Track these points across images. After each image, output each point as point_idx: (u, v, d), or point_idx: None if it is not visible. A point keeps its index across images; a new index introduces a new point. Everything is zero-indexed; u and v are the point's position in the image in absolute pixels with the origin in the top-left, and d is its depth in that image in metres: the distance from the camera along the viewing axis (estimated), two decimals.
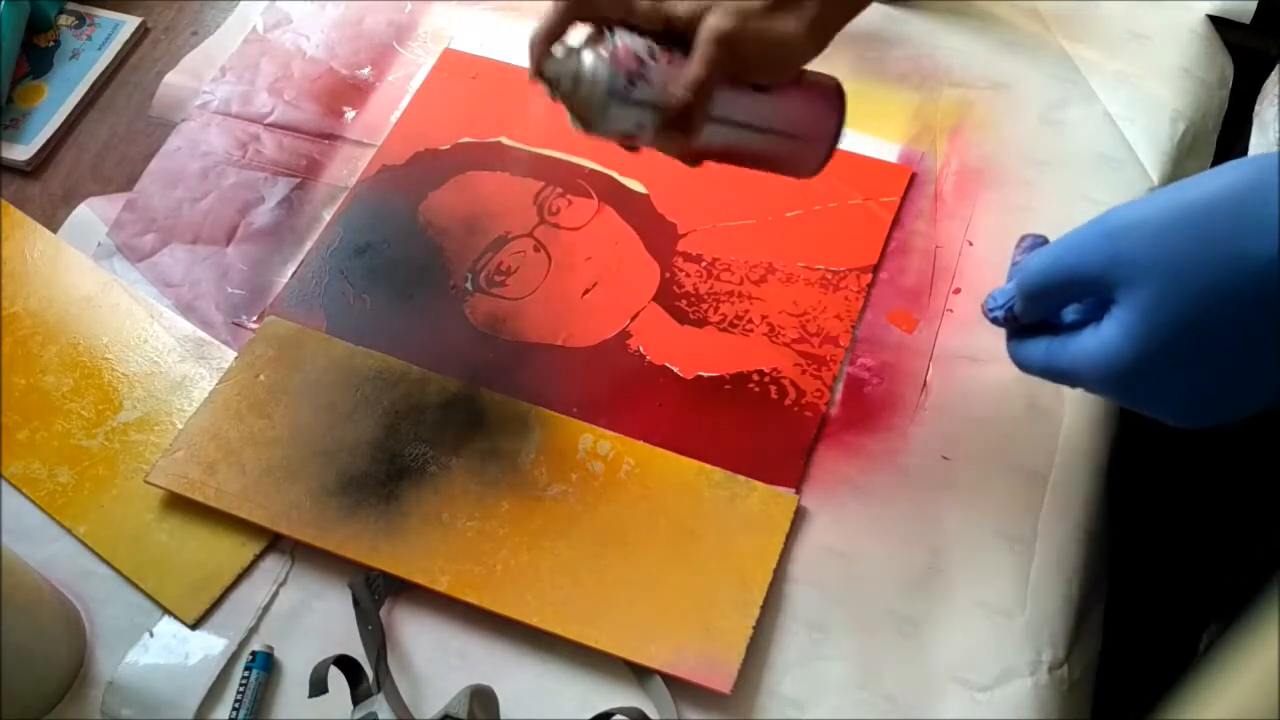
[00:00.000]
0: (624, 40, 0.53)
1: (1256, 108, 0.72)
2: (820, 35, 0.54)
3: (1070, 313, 0.48)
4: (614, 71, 0.52)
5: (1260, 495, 0.69)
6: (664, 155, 0.57)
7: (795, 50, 0.54)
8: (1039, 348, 0.49)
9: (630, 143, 0.56)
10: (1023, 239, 0.53)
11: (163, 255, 0.71)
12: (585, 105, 0.53)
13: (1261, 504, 0.70)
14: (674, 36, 0.53)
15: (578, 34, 0.54)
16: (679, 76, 0.52)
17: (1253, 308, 0.41)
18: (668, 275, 0.68)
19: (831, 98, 0.57)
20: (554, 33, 0.53)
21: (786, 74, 0.55)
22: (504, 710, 0.53)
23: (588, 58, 0.53)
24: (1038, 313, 0.49)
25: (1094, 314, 0.45)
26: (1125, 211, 0.44)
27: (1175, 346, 0.42)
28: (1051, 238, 0.68)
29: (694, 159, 0.58)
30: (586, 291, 0.68)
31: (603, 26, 0.54)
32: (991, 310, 0.51)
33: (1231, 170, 0.42)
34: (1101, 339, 0.44)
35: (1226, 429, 0.45)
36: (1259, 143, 0.69)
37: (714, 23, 0.52)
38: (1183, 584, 0.73)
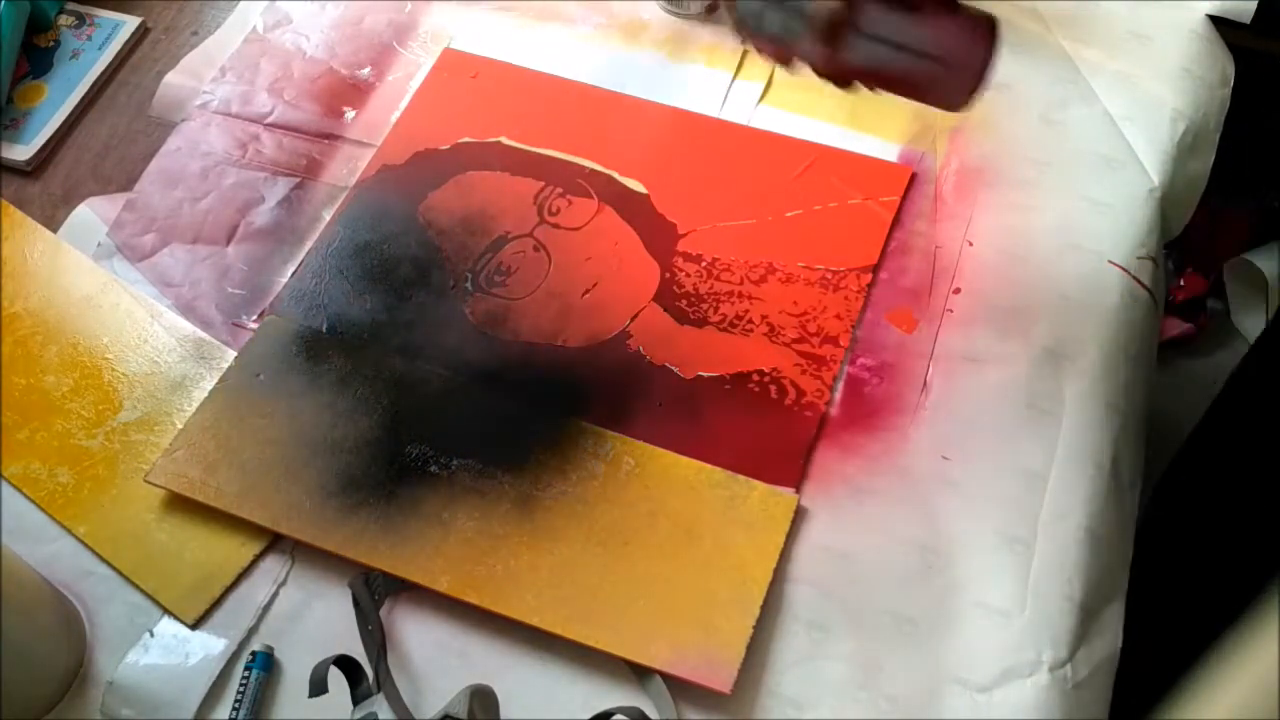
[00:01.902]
0: None
1: None
2: None
3: None
4: None
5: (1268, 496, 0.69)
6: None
7: None
8: None
9: (782, 53, 0.56)
10: None
11: (163, 255, 0.71)
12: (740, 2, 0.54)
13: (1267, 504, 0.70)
14: None
15: None
16: None
17: None
18: (668, 275, 0.68)
19: (983, 29, 0.56)
20: None
21: None
22: (504, 710, 0.53)
23: None
24: None
25: None
26: None
27: None
28: (1054, 238, 0.68)
29: (842, 77, 0.57)
30: (586, 291, 0.67)
31: None
32: None
33: None
34: None
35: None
36: None
37: None
38: (1205, 583, 0.73)
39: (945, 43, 0.56)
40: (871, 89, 0.57)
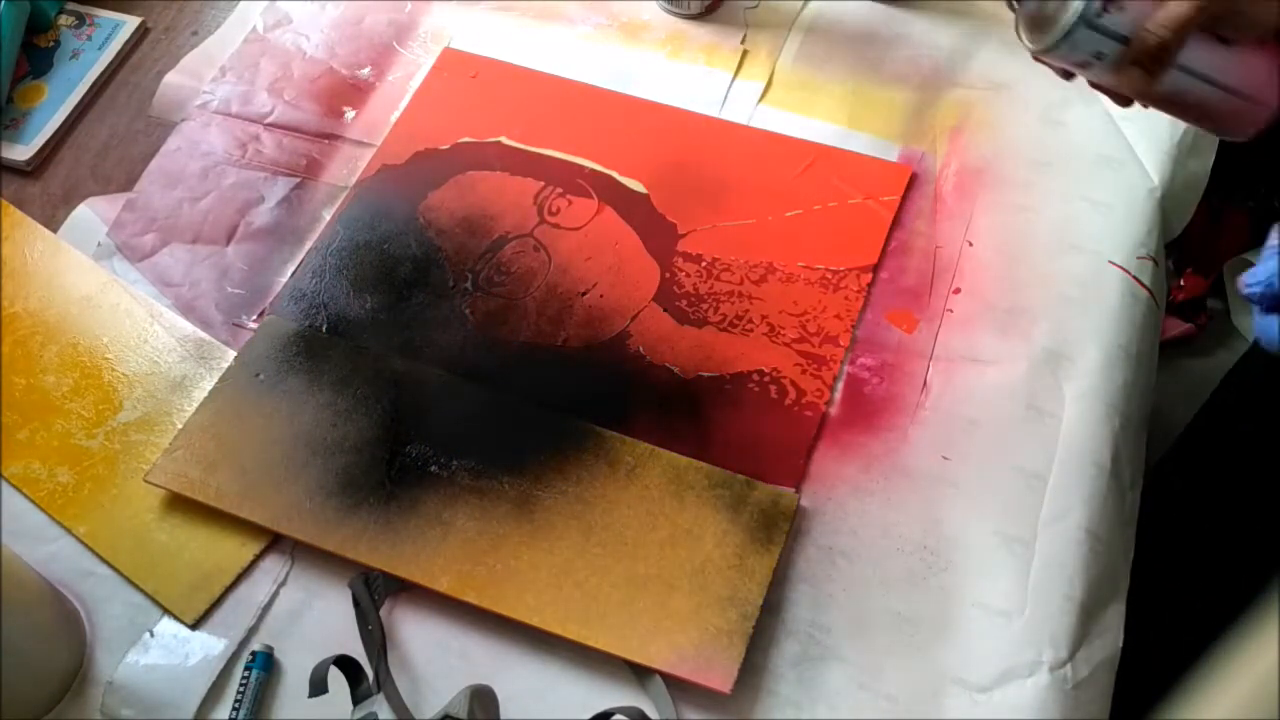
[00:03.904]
0: None
1: None
2: None
3: None
4: None
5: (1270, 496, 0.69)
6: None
7: (1276, 6, 0.52)
8: None
9: (1073, 72, 0.55)
10: None
11: (163, 255, 0.71)
12: (1051, 20, 0.52)
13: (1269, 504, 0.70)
14: None
15: None
16: (1157, 12, 0.50)
17: None
18: (668, 275, 0.68)
19: None
20: None
21: (1262, 30, 0.53)
22: (504, 710, 0.53)
23: None
24: None
25: None
26: None
27: None
28: (1054, 238, 0.68)
29: (1143, 100, 0.55)
30: (586, 292, 0.67)
31: None
32: (1250, 286, 0.50)
33: None
34: None
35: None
36: None
37: None
38: (1207, 581, 0.73)
39: (1251, 78, 0.54)
40: (1156, 108, 0.55)
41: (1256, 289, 0.50)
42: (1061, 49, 0.52)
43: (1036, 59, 0.54)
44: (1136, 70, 0.52)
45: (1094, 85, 0.55)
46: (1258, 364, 0.81)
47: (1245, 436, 0.77)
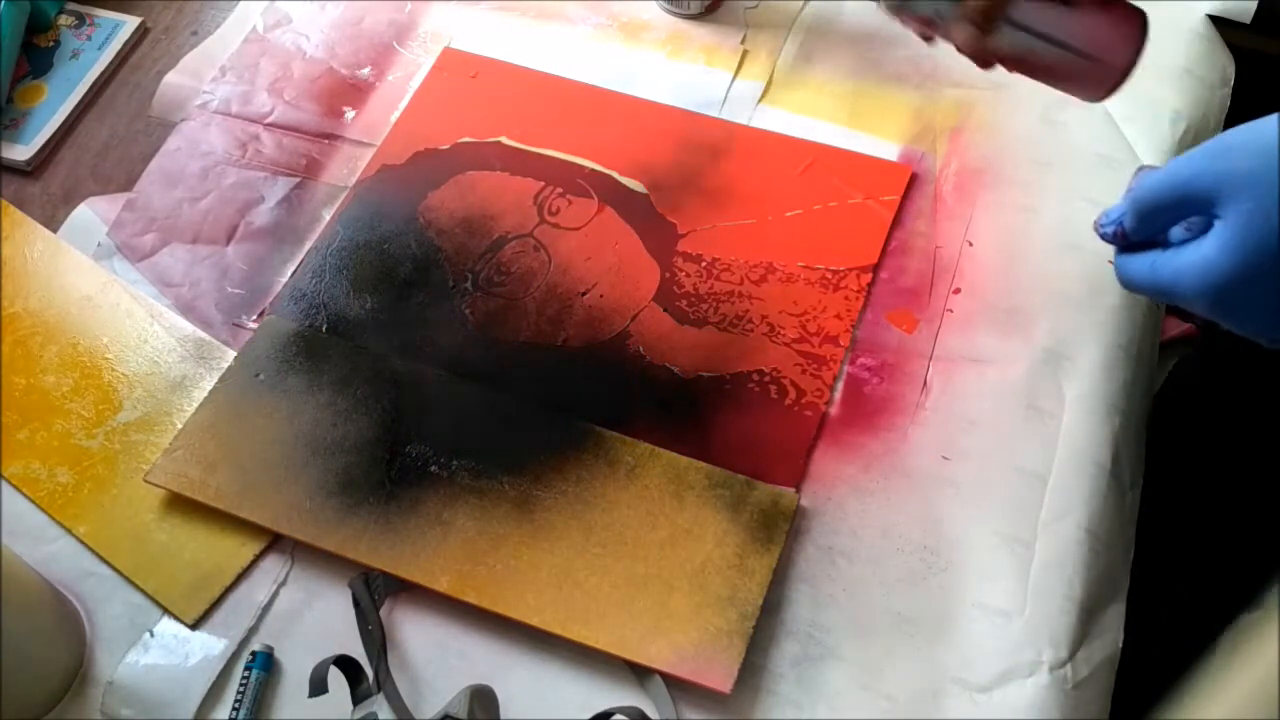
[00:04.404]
0: None
1: None
2: None
3: (1178, 232, 0.49)
4: None
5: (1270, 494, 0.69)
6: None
7: None
8: (1144, 262, 0.50)
9: (928, 32, 0.58)
10: (1140, 168, 0.54)
11: (163, 255, 0.71)
12: None
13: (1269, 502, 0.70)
14: None
15: None
16: None
17: None
18: (668, 275, 0.68)
19: (1134, 25, 0.56)
20: None
21: None
22: (504, 710, 0.53)
23: None
24: (1147, 230, 0.50)
25: (1200, 233, 0.46)
26: (1238, 132, 0.45)
27: (1270, 261, 0.43)
28: (1053, 237, 0.68)
29: (985, 60, 0.59)
30: (586, 292, 0.67)
31: None
32: (1103, 226, 0.52)
33: None
34: (1203, 253, 0.45)
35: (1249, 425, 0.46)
36: None
37: None
38: (1205, 581, 0.73)
39: (1094, 37, 0.56)
40: (1011, 71, 0.59)
41: (1109, 229, 0.51)
42: (905, 7, 0.56)
43: (893, 17, 0.57)
44: (971, 28, 0.55)
45: (959, 51, 0.58)
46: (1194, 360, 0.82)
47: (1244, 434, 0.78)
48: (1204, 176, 0.45)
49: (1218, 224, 0.45)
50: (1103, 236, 0.52)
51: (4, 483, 0.63)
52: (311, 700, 0.53)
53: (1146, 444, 0.64)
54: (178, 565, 0.60)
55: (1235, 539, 0.76)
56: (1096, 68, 0.57)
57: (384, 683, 0.54)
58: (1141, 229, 0.50)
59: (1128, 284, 0.52)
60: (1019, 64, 0.58)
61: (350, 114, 0.76)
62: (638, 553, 0.58)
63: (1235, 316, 0.47)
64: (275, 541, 0.60)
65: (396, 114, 0.76)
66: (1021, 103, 0.73)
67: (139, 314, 0.68)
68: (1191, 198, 0.46)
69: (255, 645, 0.58)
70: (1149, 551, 0.63)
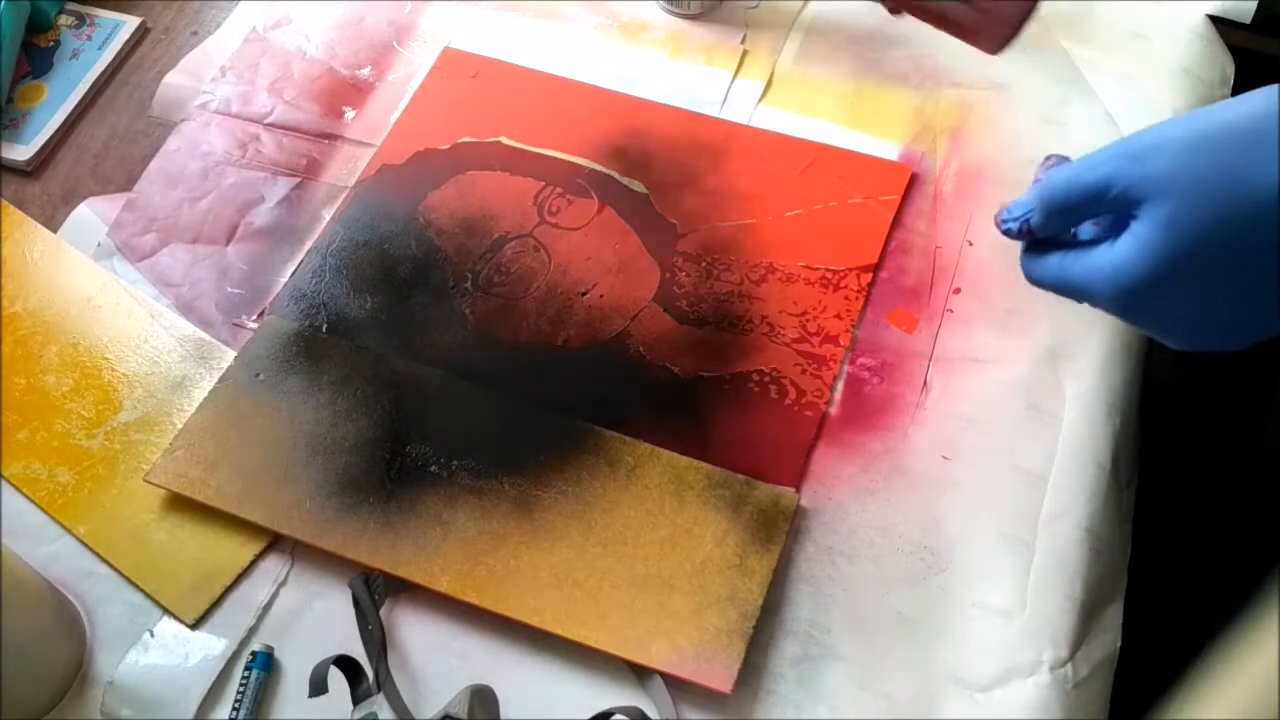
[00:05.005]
0: None
1: None
2: None
3: (1086, 230, 0.48)
4: None
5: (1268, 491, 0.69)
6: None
7: None
8: (1052, 261, 0.49)
9: None
10: (1048, 158, 0.53)
11: (163, 255, 0.71)
12: None
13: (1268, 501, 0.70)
14: None
15: None
16: None
17: (1260, 235, 0.41)
18: (668, 275, 0.68)
19: None
20: None
21: None
22: (504, 710, 0.53)
23: None
24: (1055, 228, 0.49)
25: (1109, 232, 0.46)
26: (1151, 132, 0.45)
27: (1186, 266, 0.43)
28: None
29: (895, 7, 0.68)
30: (586, 291, 0.67)
31: None
32: (1006, 221, 0.51)
33: (1257, 98, 0.43)
34: (1115, 254, 0.45)
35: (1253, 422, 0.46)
36: None
37: None
38: (1204, 580, 0.73)
39: None
40: (919, 20, 0.67)
41: (1014, 225, 0.51)
42: None
43: None
44: None
45: None
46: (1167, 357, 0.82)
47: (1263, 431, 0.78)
48: (1121, 178, 0.44)
49: (1135, 225, 0.44)
50: (1005, 233, 0.51)
51: (4, 483, 0.63)
52: (311, 700, 0.53)
53: (1143, 441, 0.64)
54: (178, 565, 0.60)
55: (1234, 537, 0.76)
56: (988, 21, 0.65)
57: (384, 683, 0.54)
58: (1049, 226, 0.49)
59: (1036, 282, 0.50)
60: (923, 11, 0.67)
61: (350, 114, 0.76)
62: (638, 553, 0.58)
63: (1145, 319, 0.46)
64: (275, 541, 0.60)
65: (396, 114, 0.76)
66: (1021, 103, 0.73)
67: (139, 314, 0.68)
68: (1103, 197, 0.45)
69: (255, 645, 0.58)
70: (1149, 551, 0.63)
